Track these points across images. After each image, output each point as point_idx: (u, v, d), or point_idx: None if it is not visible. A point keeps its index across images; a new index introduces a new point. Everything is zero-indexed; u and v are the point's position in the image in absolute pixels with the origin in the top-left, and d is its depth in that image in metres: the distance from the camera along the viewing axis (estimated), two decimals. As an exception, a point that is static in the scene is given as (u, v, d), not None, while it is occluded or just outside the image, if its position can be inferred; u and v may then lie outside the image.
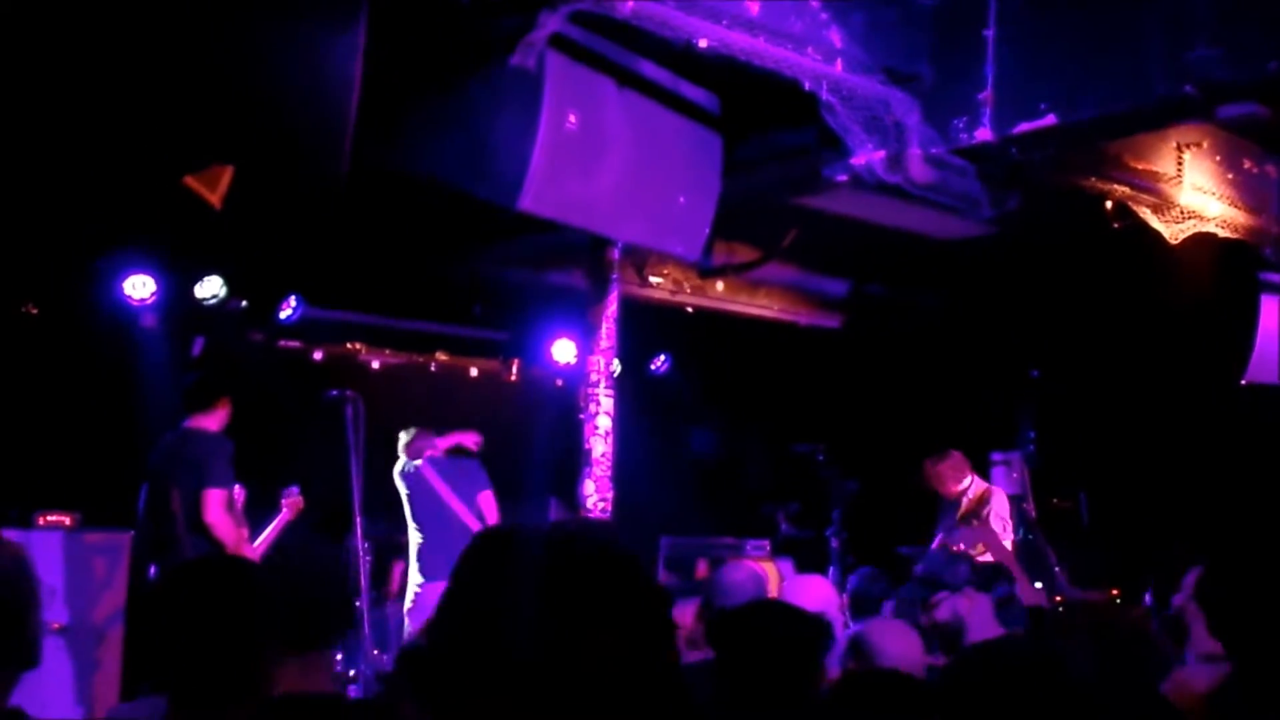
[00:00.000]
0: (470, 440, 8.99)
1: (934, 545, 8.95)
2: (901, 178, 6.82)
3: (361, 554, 7.69)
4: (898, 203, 7.78)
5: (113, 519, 7.65)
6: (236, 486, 7.33)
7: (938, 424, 11.01)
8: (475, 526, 8.37)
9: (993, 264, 9.77)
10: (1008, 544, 8.97)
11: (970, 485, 9.21)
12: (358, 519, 7.57)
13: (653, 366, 11.73)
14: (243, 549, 7.22)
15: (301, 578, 3.18)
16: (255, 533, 7.68)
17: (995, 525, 9.00)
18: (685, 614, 4.91)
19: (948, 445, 9.27)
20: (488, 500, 8.85)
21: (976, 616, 5.28)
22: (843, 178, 7.11)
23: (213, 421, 7.32)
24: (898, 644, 4.24)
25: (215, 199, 6.35)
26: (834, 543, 9.68)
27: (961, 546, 8.79)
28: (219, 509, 7.01)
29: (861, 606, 6.14)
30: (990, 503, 9.07)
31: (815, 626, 3.29)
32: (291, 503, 7.98)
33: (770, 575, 6.62)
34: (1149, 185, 7.60)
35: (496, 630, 1.50)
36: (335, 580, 3.37)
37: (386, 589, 9.38)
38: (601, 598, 1.52)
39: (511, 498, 10.89)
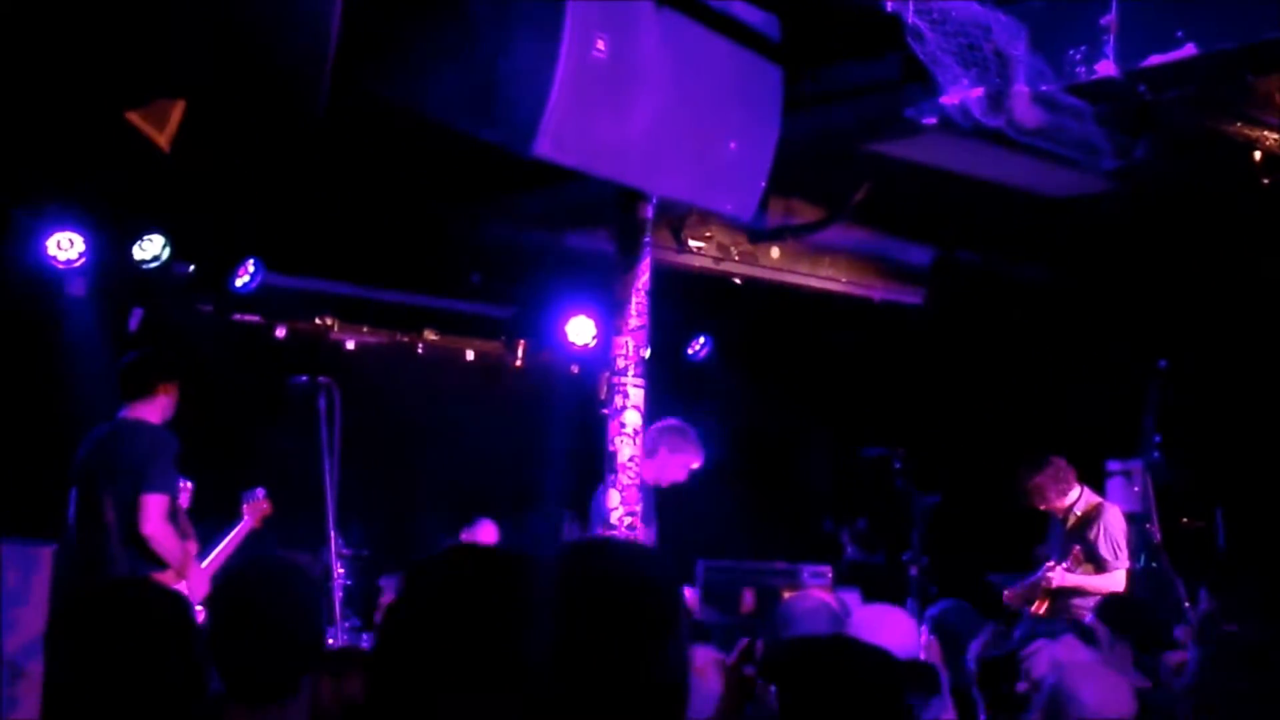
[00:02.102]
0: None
1: (1040, 573, 8.99)
2: (1003, 120, 6.80)
3: (336, 575, 7.74)
4: (997, 151, 7.74)
5: (32, 529, 7.73)
6: (184, 485, 7.40)
7: (1041, 425, 10.99)
8: None
9: (1113, 227, 9.74)
10: (1120, 574, 9.00)
11: (1078, 499, 9.24)
12: (332, 532, 7.63)
13: (691, 350, 11.75)
14: (189, 568, 7.28)
15: (258, 608, 3.14)
16: (209, 546, 7.75)
17: (1104, 550, 9.03)
18: (699, 655, 4.91)
19: (1050, 451, 9.29)
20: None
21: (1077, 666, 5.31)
22: (930, 120, 7.09)
23: (153, 412, 7.37)
24: (1100, 691, 4.26)
25: (162, 140, 6.40)
26: (912, 569, 9.69)
27: (1060, 574, 8.85)
28: (159, 518, 7.06)
29: (946, 646, 6.19)
30: (1100, 521, 9.11)
31: (905, 671, 3.31)
32: (254, 508, 8.04)
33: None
34: (1309, 132, 7.58)
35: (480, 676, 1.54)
36: (302, 611, 3.32)
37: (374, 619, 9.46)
38: (631, 646, 1.59)
39: (517, 512, 10.96)
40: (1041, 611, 9.06)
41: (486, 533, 10.12)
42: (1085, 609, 8.77)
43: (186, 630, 2.74)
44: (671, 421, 8.87)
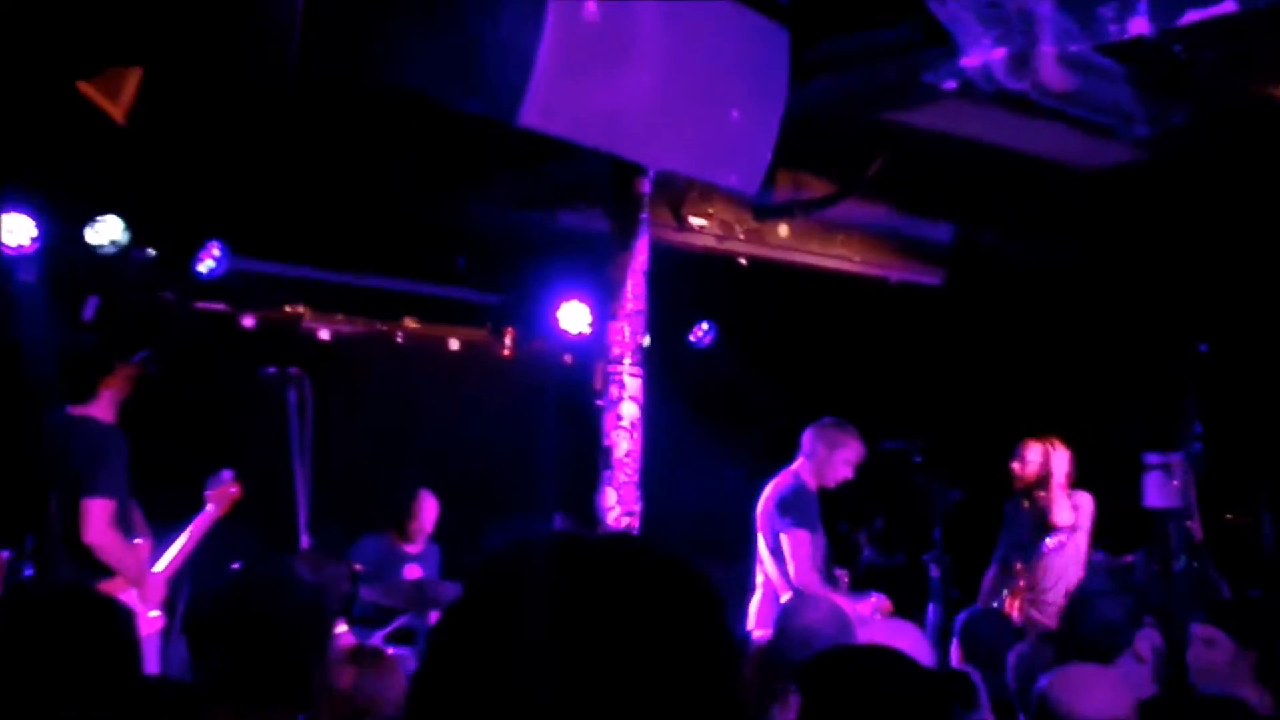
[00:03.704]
0: None
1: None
2: (1029, 84, 6.79)
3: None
4: (1022, 119, 7.73)
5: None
6: (224, 477, 7.37)
7: (1070, 415, 10.98)
8: None
9: (1148, 201, 9.73)
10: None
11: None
12: (304, 536, 7.62)
13: (693, 337, 11.74)
14: (141, 574, 7.26)
15: (250, 630, 3.17)
16: (164, 543, 7.71)
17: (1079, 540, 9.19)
18: None
19: (1082, 440, 9.37)
20: None
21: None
22: (950, 84, 7.08)
23: (102, 408, 7.32)
24: (1102, 699, 4.26)
25: (118, 112, 6.38)
26: (934, 571, 9.69)
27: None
28: (102, 526, 6.99)
29: (977, 658, 6.18)
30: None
31: (943, 683, 3.30)
32: (220, 494, 7.96)
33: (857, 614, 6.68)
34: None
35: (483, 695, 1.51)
36: (303, 630, 3.35)
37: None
38: (637, 649, 1.52)
39: (505, 511, 10.95)
40: (1015, 609, 9.18)
41: (429, 508, 10.09)
42: (1056, 604, 8.96)
43: (117, 642, 2.76)
44: (825, 419, 8.99)
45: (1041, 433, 9.64)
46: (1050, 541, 9.30)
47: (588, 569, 1.56)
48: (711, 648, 1.57)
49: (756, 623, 8.51)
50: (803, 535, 8.62)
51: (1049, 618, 8.48)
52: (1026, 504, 9.62)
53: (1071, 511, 9.36)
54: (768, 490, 8.89)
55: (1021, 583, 9.29)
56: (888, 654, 3.57)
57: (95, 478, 7.04)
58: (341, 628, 9.13)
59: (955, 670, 5.76)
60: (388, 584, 9.41)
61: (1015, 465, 9.61)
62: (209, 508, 7.95)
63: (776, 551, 8.63)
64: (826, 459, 8.86)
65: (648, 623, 1.53)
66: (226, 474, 8.04)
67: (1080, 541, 9.35)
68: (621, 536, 1.87)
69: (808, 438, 8.92)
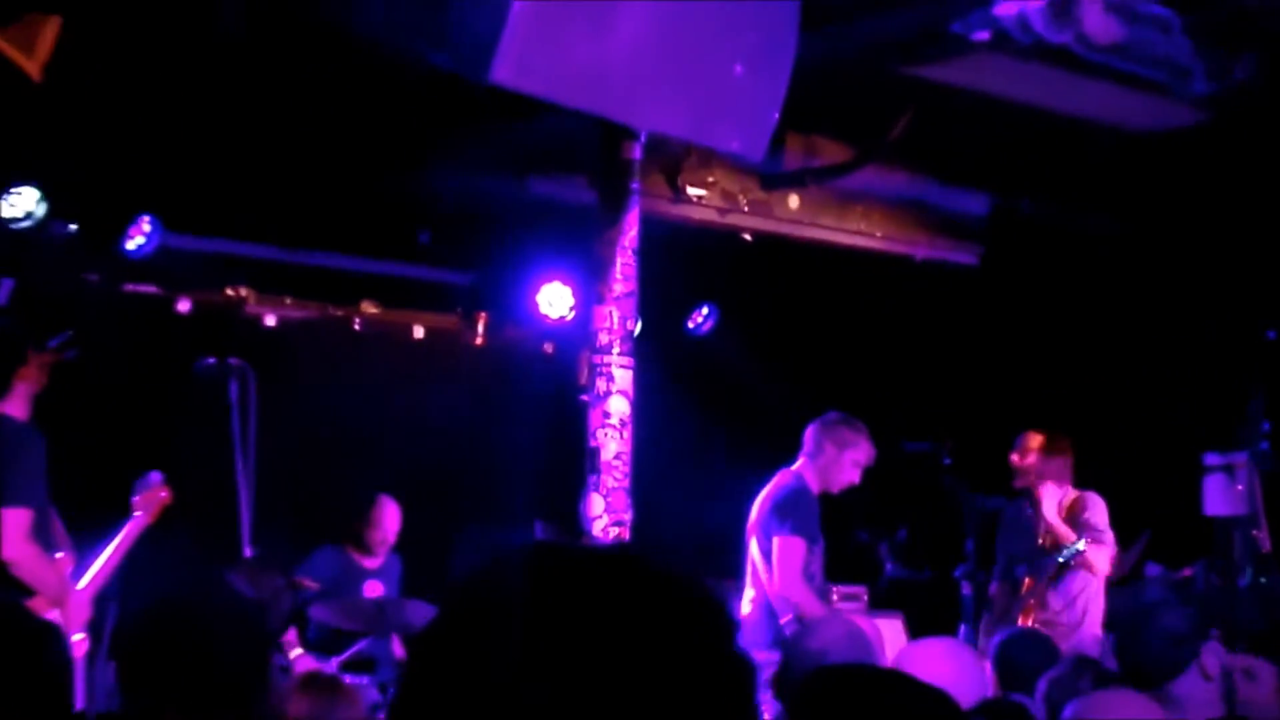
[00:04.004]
0: None
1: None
2: (1071, 35, 6.80)
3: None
4: (1064, 74, 7.75)
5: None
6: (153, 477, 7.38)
7: (1122, 411, 11.00)
8: None
9: (1208, 167, 9.74)
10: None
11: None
12: (246, 547, 7.62)
13: (692, 323, 11.75)
14: (63, 593, 7.27)
15: (186, 656, 3.19)
16: (88, 557, 7.72)
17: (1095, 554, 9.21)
18: None
19: (1134, 439, 9.39)
20: None
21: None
22: (982, 35, 7.09)
23: (15, 405, 7.31)
24: None
25: (33, 67, 6.37)
26: (965, 588, 9.72)
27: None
28: (20, 539, 6.97)
29: (1016, 684, 6.20)
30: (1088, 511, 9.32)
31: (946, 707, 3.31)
32: (149, 499, 7.96)
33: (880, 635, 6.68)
34: None
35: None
36: (249, 640, 3.37)
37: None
38: (640, 682, 1.50)
39: (477, 521, 10.96)
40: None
41: (391, 516, 10.08)
42: (1073, 626, 9.14)
43: (51, 671, 2.78)
44: (831, 415, 8.99)
45: (1065, 427, 9.69)
46: (1062, 556, 9.30)
47: (580, 588, 1.55)
48: (725, 678, 1.56)
49: (748, 643, 8.52)
50: (798, 544, 8.65)
51: (1061, 638, 8.49)
52: (1029, 507, 9.65)
53: (1077, 526, 9.36)
54: (765, 492, 8.92)
55: (1032, 601, 9.31)
56: (897, 678, 3.57)
57: (10, 485, 7.02)
58: (296, 651, 9.16)
59: (1007, 701, 5.77)
60: (346, 603, 9.41)
61: (1015, 457, 9.63)
62: (137, 515, 7.95)
63: (771, 560, 8.67)
64: (833, 460, 8.89)
65: (651, 651, 1.51)
66: (155, 477, 8.05)
67: (1097, 552, 9.32)
68: (616, 549, 1.78)
69: (811, 436, 8.95)
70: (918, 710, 3.33)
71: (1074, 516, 9.47)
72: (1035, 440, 9.62)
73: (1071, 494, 9.58)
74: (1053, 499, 9.51)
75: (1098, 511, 9.45)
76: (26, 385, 7.36)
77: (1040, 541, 9.51)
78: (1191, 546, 10.08)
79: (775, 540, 8.64)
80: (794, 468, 8.91)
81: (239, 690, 3.25)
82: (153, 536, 8.07)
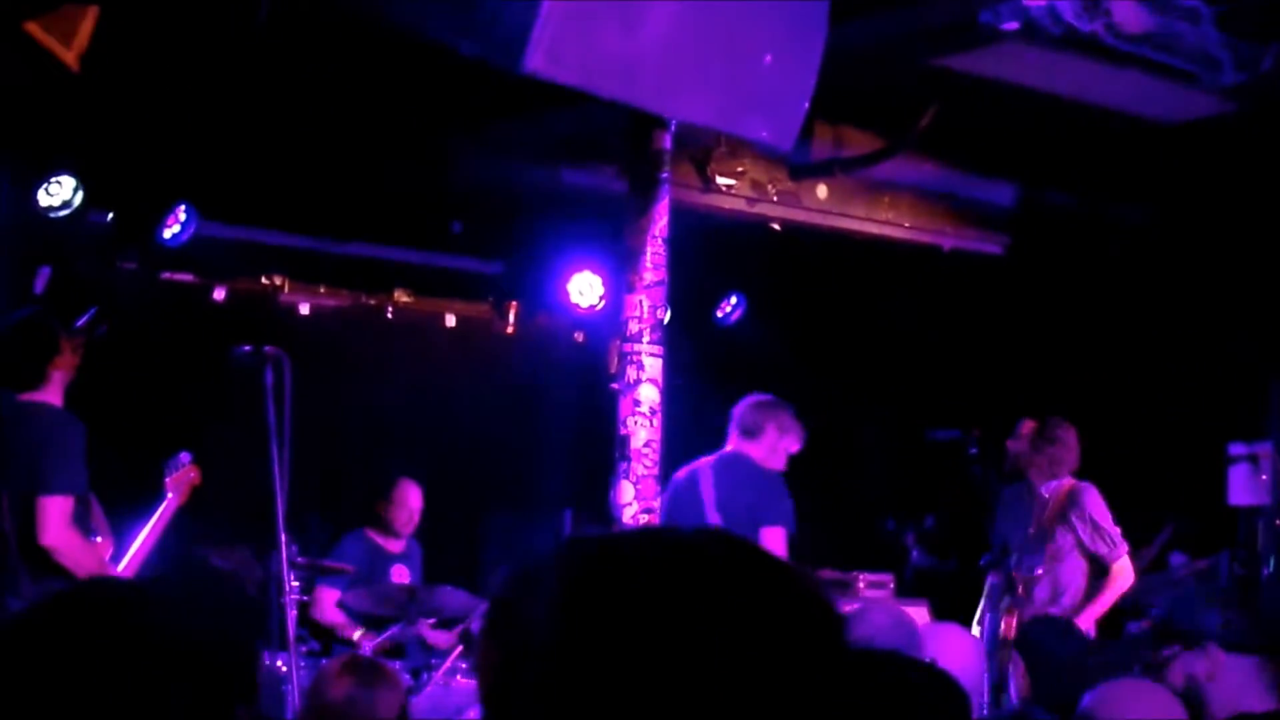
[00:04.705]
0: None
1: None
2: (1100, 24, 6.77)
3: (289, 587, 7.74)
4: (1093, 65, 7.70)
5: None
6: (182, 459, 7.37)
7: (1147, 400, 10.95)
8: None
9: (1236, 158, 9.70)
10: (1127, 565, 9.01)
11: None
12: (282, 534, 7.62)
13: (720, 312, 11.74)
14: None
15: (168, 621, 3.01)
16: (125, 540, 7.73)
17: (1099, 545, 9.04)
18: None
19: (1159, 428, 9.32)
20: None
21: (1225, 684, 5.31)
22: (1012, 25, 7.06)
23: (53, 392, 7.31)
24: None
25: (70, 57, 6.38)
26: (991, 577, 9.69)
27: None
28: (62, 526, 6.96)
29: (1034, 666, 6.19)
30: (1082, 506, 9.15)
31: (947, 690, 3.29)
32: (179, 479, 7.97)
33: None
34: None
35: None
36: (229, 621, 3.19)
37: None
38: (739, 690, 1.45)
39: (507, 508, 10.97)
40: (1012, 628, 9.17)
41: (413, 496, 10.08)
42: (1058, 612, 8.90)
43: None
44: (766, 397, 8.89)
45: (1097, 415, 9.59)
46: (1050, 548, 9.20)
47: (681, 571, 1.49)
48: (839, 683, 1.52)
49: None
50: (783, 534, 8.54)
51: None
52: (1027, 494, 9.53)
53: (1068, 519, 9.23)
54: (716, 473, 8.74)
55: (1020, 590, 9.23)
56: (897, 660, 3.54)
57: (52, 472, 7.02)
58: (358, 632, 9.21)
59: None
60: (376, 589, 9.42)
61: (1011, 444, 9.50)
62: (169, 496, 7.96)
63: None
64: (774, 445, 8.77)
65: (750, 655, 1.45)
66: (185, 457, 8.06)
67: (1095, 541, 9.16)
68: (662, 537, 1.53)
69: (750, 416, 8.77)
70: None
71: (1064, 509, 9.29)
72: (1027, 427, 9.49)
73: (1066, 484, 9.40)
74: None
75: (1097, 506, 9.13)
76: (62, 373, 7.37)
77: (1031, 530, 9.42)
78: (1215, 536, 10.04)
79: (762, 531, 8.52)
80: (742, 450, 8.77)
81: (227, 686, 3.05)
82: (189, 522, 8.09)
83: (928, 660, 5.16)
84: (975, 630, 9.20)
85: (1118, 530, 9.07)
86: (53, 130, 8.43)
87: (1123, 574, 9.00)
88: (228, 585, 3.06)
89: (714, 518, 8.64)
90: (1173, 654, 5.37)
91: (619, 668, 1.43)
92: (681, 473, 8.81)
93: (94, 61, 6.70)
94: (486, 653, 1.59)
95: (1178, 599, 6.12)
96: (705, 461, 8.83)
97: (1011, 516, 9.60)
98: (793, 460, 9.00)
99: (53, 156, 8.71)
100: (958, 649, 5.52)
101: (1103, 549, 9.01)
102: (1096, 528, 9.08)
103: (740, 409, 8.85)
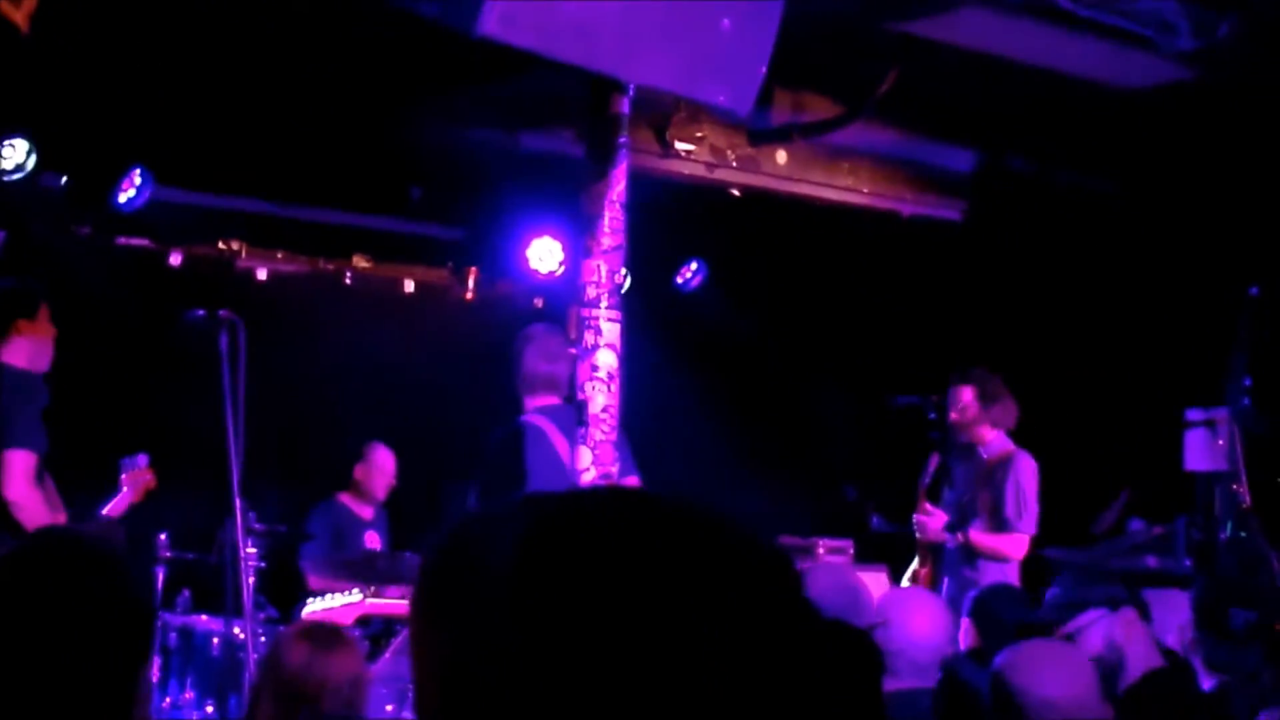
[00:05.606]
0: None
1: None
2: (1059, -10, 6.74)
3: (245, 555, 7.70)
4: (1052, 30, 7.70)
5: None
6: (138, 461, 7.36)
7: (1105, 366, 10.97)
8: None
9: (1193, 124, 9.71)
10: (1023, 540, 9.13)
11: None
12: (237, 501, 7.58)
13: (680, 278, 11.72)
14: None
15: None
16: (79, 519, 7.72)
17: (1010, 508, 9.09)
18: None
19: (1118, 394, 9.32)
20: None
21: (1138, 646, 5.34)
22: (970, -10, 7.03)
23: (16, 354, 7.35)
24: (1061, 683, 4.25)
25: (20, 17, 6.31)
26: (950, 542, 9.69)
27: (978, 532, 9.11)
28: (23, 480, 7.02)
29: (990, 636, 6.18)
30: (1013, 471, 9.19)
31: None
32: (135, 478, 8.01)
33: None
34: None
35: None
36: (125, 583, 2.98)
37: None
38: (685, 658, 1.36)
39: (466, 475, 10.92)
40: (924, 575, 9.35)
41: (388, 460, 10.09)
42: (975, 577, 9.00)
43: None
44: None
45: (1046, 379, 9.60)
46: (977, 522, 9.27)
47: (629, 536, 1.41)
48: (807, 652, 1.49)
49: None
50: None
51: None
52: (971, 459, 9.54)
53: (1001, 487, 9.24)
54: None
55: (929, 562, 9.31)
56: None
57: (13, 427, 7.06)
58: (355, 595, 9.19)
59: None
60: (350, 555, 9.40)
61: (954, 416, 9.51)
62: (124, 491, 7.98)
63: None
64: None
65: (703, 616, 1.38)
66: (142, 459, 8.11)
67: (1014, 506, 9.17)
68: (628, 495, 1.57)
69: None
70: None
71: (998, 478, 9.31)
72: (967, 392, 9.48)
73: (1003, 451, 9.43)
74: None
75: (1028, 478, 9.22)
76: (28, 340, 7.38)
77: (971, 495, 9.44)
78: (1173, 501, 10.05)
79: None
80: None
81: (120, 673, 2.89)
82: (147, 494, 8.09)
83: (879, 622, 5.16)
84: (906, 583, 9.28)
85: (1037, 510, 9.13)
86: (4, 92, 8.35)
87: (1015, 544, 9.17)
88: (109, 550, 2.90)
89: None
90: (1090, 619, 5.38)
91: (599, 641, 1.36)
92: None
93: (46, 22, 6.63)
94: (427, 642, 1.47)
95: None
96: None
97: (959, 486, 9.63)
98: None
99: (5, 119, 8.63)
100: (925, 614, 5.50)
101: (1011, 514, 9.08)
102: (1021, 495, 9.13)
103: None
